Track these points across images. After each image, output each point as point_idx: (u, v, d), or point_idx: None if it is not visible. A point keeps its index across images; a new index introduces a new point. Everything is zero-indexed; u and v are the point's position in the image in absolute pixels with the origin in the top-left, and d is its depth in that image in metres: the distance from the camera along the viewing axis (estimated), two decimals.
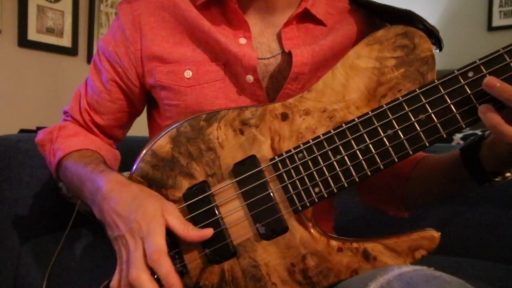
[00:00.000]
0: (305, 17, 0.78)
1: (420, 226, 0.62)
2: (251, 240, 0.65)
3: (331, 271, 0.63)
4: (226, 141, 0.67)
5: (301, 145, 0.64)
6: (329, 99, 0.65)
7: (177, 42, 0.77)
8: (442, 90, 0.60)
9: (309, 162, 0.64)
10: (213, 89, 0.75)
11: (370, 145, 0.62)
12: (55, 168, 0.82)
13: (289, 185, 0.64)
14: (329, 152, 0.63)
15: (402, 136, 0.61)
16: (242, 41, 0.76)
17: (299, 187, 0.64)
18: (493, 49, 0.58)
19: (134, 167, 0.70)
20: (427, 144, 0.61)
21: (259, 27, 0.78)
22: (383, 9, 0.75)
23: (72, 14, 2.36)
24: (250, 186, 0.65)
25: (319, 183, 0.63)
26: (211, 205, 0.66)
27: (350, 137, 0.63)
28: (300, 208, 0.64)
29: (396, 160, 0.61)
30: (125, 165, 0.84)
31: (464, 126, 0.60)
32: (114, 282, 0.61)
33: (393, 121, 0.62)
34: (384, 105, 0.62)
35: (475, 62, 0.59)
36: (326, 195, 0.63)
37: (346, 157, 0.63)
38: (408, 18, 0.68)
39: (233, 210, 0.66)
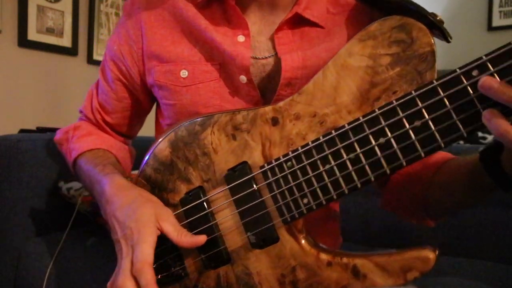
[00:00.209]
0: (299, 21, 0.73)
1: (420, 226, 0.56)
2: (244, 248, 0.64)
3: (320, 285, 0.60)
4: (220, 146, 0.66)
5: (290, 153, 0.61)
6: (320, 103, 0.60)
7: (175, 41, 0.76)
8: (441, 93, 0.52)
9: (298, 171, 0.60)
10: (208, 89, 0.73)
11: (361, 155, 0.56)
12: (72, 166, 0.87)
13: (278, 194, 0.61)
14: (318, 161, 0.59)
15: (395, 145, 0.54)
16: (241, 39, 0.73)
17: (288, 197, 0.61)
18: (493, 49, 0.48)
19: (140, 170, 0.72)
20: (423, 155, 0.53)
21: (258, 25, 0.74)
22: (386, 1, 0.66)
23: (72, 14, 2.33)
24: (241, 194, 0.63)
25: (308, 194, 0.59)
26: (206, 212, 0.66)
27: (340, 145, 0.57)
28: (289, 219, 0.61)
29: (388, 172, 0.55)
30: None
31: (465, 135, 0.51)
32: (109, 283, 0.64)
33: (386, 128, 0.55)
34: (377, 110, 0.55)
35: (481, 58, 0.49)
36: (314, 207, 0.59)
37: (335, 167, 0.58)
38: (414, 12, 0.58)
39: (227, 217, 0.65)
